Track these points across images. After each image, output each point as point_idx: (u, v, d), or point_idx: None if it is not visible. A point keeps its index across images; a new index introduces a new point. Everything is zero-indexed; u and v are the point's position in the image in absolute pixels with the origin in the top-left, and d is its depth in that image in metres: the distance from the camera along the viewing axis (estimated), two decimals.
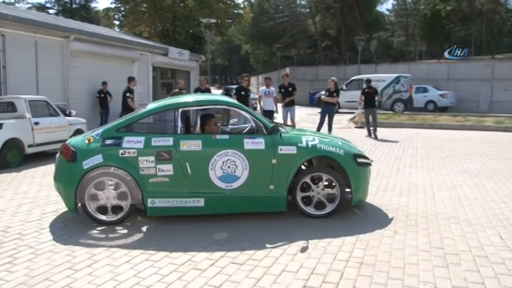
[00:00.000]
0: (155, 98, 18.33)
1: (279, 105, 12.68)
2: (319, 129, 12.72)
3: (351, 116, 20.35)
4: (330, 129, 12.59)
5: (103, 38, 16.13)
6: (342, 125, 17.83)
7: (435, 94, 25.27)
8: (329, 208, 5.21)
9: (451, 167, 8.66)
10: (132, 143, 4.93)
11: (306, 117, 14.88)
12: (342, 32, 53.47)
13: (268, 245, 4.31)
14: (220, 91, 25.21)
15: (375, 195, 6.27)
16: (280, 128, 5.34)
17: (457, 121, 17.97)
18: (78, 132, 10.27)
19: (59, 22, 16.30)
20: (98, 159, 4.88)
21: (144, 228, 4.87)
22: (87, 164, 4.85)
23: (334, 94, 12.68)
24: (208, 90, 11.88)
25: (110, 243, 4.41)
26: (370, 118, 13.93)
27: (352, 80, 25.96)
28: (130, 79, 13.28)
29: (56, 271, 3.71)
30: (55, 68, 13.71)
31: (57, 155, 5.23)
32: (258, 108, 12.91)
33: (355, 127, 17.21)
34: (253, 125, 5.37)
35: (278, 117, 13.15)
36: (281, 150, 5.06)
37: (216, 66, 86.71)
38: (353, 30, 52.41)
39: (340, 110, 24.71)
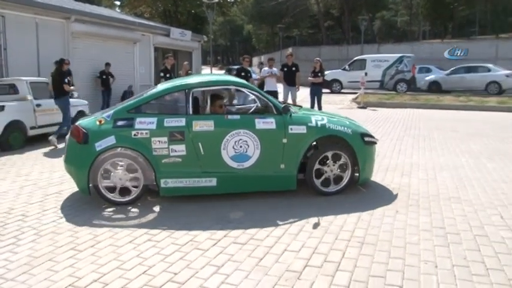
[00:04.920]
0: (157, 79, 18.28)
1: (280, 85, 12.64)
2: None
3: (354, 96, 20.29)
4: (319, 109, 12.67)
5: (104, 19, 15.99)
6: (344, 105, 17.78)
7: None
8: (339, 186, 5.37)
9: (453, 147, 8.65)
10: (145, 124, 4.96)
11: (309, 98, 14.81)
12: (344, 12, 52.85)
13: (269, 225, 4.34)
14: (222, 72, 25.03)
15: (375, 175, 6.27)
16: (290, 108, 5.42)
17: (460, 101, 17.85)
18: (80, 113, 10.28)
19: (59, 3, 16.16)
20: (111, 140, 4.89)
21: (146, 208, 4.90)
22: (99, 145, 4.87)
23: (319, 74, 12.71)
24: (295, 66, 12.35)
25: (112, 223, 4.45)
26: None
27: (355, 60, 25.79)
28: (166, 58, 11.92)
29: (59, 252, 3.75)
30: (56, 50, 13.60)
31: (67, 137, 5.24)
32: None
33: (358, 107, 17.16)
34: (259, 105, 5.44)
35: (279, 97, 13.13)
36: (291, 129, 5.16)
37: (218, 46, 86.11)
38: (356, 9, 51.81)
39: (342, 90, 24.70)
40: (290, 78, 12.45)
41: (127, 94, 15.61)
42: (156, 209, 4.92)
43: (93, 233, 4.18)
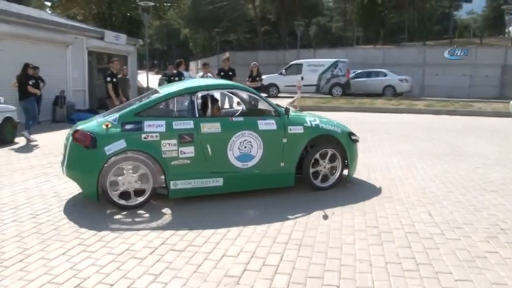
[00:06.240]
0: (91, 84, 17.68)
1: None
2: None
3: (291, 100, 20.62)
4: None
5: (33, 20, 15.21)
6: None
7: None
8: (332, 180, 5.84)
9: (385, 148, 9.01)
10: (154, 127, 5.00)
11: None
12: (281, 17, 53.80)
13: (207, 230, 4.31)
14: (159, 76, 24.57)
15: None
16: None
17: (392, 105, 18.69)
18: (8, 120, 9.75)
19: None
20: (121, 144, 4.85)
21: (80, 217, 4.70)
22: (109, 149, 4.82)
23: (257, 78, 12.97)
24: (232, 70, 12.48)
25: (42, 235, 4.22)
26: None
27: (291, 64, 26.21)
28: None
29: None
30: None
31: (69, 141, 5.07)
32: None
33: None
34: (244, 108, 6.09)
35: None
36: (291, 130, 5.53)
37: (155, 50, 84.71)
38: (292, 15, 52.88)
39: (279, 95, 25.03)
40: None
41: (59, 99, 14.97)
42: (91, 217, 4.74)
43: (22, 246, 3.95)
